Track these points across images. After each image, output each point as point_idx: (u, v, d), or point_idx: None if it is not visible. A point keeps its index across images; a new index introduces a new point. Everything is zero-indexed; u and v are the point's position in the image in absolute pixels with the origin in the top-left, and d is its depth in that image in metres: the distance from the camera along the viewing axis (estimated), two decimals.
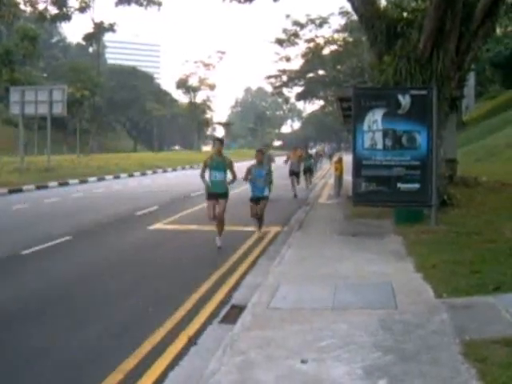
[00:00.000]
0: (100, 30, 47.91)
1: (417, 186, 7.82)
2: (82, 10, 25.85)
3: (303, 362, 3.29)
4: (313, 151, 25.74)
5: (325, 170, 27.73)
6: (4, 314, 4.79)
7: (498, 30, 23.33)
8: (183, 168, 32.21)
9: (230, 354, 3.46)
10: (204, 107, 68.58)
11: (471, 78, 28.79)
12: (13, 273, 6.35)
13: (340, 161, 15.00)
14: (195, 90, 66.16)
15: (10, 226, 10.07)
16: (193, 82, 65.86)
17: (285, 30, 39.16)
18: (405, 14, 10.39)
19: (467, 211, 9.05)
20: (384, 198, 7.99)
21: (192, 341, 4.04)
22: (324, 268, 5.70)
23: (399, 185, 7.82)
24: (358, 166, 8.02)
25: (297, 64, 45.41)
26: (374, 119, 7.80)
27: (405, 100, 7.76)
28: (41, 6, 22.65)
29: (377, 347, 3.46)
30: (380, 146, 7.87)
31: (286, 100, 63.30)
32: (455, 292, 4.58)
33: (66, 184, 19.78)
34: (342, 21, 37.59)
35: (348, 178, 11.71)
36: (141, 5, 22.55)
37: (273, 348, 3.53)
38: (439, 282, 4.89)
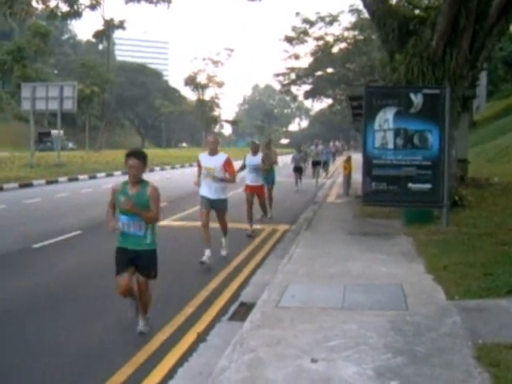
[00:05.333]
0: (110, 27, 48.08)
1: (428, 186, 7.73)
2: (93, 7, 25.95)
3: (313, 361, 3.27)
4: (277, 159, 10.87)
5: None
6: (16, 307, 4.82)
7: None
8: (191, 165, 32.25)
9: (240, 351, 3.44)
10: (212, 104, 68.64)
11: (483, 77, 28.45)
12: (24, 266, 6.39)
13: (349, 160, 14.93)
14: (203, 87, 66.23)
15: (21, 219, 10.14)
16: (201, 79, 65.95)
17: (294, 28, 38.96)
18: (417, 12, 10.28)
19: (478, 212, 8.95)
20: (394, 197, 7.92)
21: (201, 337, 4.04)
22: (333, 267, 5.66)
23: (410, 185, 7.74)
24: (368, 165, 7.95)
25: (305, 62, 45.17)
26: (386, 118, 7.73)
27: (417, 99, 7.67)
28: (52, 4, 22.78)
29: (387, 348, 3.43)
30: (391, 145, 7.80)
31: (294, 98, 63.03)
32: (467, 294, 4.52)
33: (76, 179, 19.90)
34: (353, 18, 37.26)
35: (357, 177, 11.64)
36: (150, 2, 22.53)
37: (282, 347, 3.51)
38: (450, 283, 4.83)
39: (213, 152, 6.43)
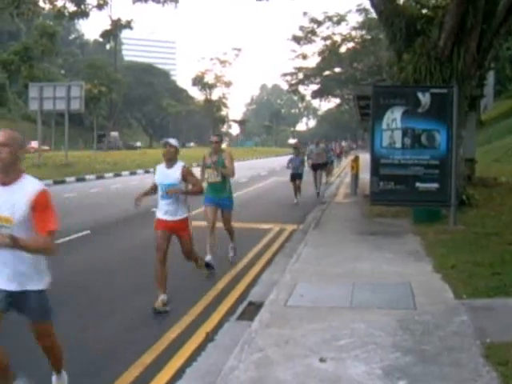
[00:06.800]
0: (117, 27, 48.27)
1: (436, 185, 7.73)
2: (100, 7, 26.03)
3: (322, 360, 3.29)
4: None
5: None
6: None
7: None
8: (198, 165, 32.31)
9: (248, 351, 3.47)
10: (220, 104, 68.80)
11: (490, 77, 28.24)
12: None
13: (356, 159, 14.92)
14: (211, 87, 66.41)
15: None
16: (209, 79, 66.12)
17: (302, 28, 39.00)
18: (425, 11, 10.26)
19: (486, 212, 8.91)
20: (402, 197, 7.92)
21: (209, 336, 4.06)
22: (341, 267, 5.67)
23: (418, 184, 7.74)
24: (375, 164, 7.96)
25: (313, 61, 45.25)
26: (393, 117, 7.73)
27: (425, 98, 7.66)
28: (59, 3, 22.93)
29: (396, 347, 3.44)
30: (399, 144, 7.80)
31: (302, 98, 62.98)
32: (475, 293, 4.52)
33: (83, 179, 20.04)
34: (360, 18, 37.28)
35: (365, 176, 11.62)
36: (158, 2, 22.63)
37: (291, 346, 3.53)
38: (458, 282, 4.84)
39: (6, 180, 2.73)
